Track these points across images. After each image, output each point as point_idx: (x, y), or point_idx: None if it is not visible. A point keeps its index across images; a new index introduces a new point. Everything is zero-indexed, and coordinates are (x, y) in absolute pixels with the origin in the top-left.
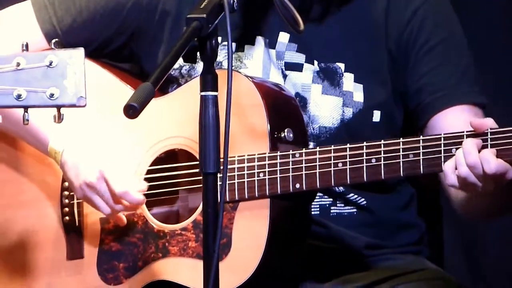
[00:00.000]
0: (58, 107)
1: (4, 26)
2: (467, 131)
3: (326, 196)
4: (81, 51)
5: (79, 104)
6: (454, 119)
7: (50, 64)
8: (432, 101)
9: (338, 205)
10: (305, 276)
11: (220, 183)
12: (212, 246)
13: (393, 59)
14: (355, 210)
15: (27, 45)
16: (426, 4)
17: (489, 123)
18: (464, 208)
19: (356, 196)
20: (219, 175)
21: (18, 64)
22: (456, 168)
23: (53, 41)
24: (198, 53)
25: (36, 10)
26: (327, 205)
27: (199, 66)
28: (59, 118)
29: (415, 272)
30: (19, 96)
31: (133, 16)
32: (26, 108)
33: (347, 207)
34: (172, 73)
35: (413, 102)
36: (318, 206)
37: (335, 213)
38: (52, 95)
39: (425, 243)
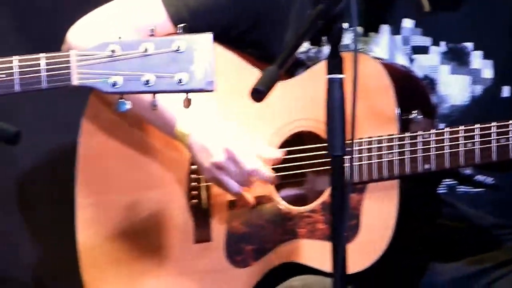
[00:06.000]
0: (187, 92)
1: (130, 8)
2: None
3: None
4: (209, 36)
5: (208, 88)
6: None
7: (178, 49)
8: None
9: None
10: (433, 256)
11: (348, 164)
12: (340, 227)
13: None
14: (482, 189)
15: (154, 31)
16: None
17: None
18: None
19: (484, 177)
20: (347, 157)
21: (146, 50)
22: None
23: (180, 26)
24: (324, 36)
25: None
26: (454, 184)
27: (326, 48)
28: (188, 103)
29: None
30: (147, 82)
31: (259, 1)
32: (154, 93)
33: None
34: (299, 56)
35: None
36: (445, 185)
37: (462, 192)
38: (180, 80)
39: None
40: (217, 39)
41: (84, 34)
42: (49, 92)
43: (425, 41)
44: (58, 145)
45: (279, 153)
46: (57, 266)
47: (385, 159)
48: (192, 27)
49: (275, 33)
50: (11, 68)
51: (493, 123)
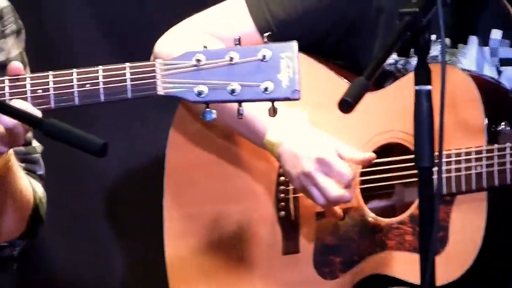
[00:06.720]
0: (273, 100)
1: (217, 20)
2: None
3: None
4: (294, 44)
5: (294, 97)
6: None
7: (264, 58)
8: None
9: None
10: None
11: (436, 176)
12: (429, 239)
13: None
14: None
15: (239, 40)
16: None
17: None
18: None
19: None
20: (435, 169)
21: (231, 59)
22: None
23: (265, 35)
24: (411, 48)
25: (249, 6)
26: None
27: (413, 60)
28: (274, 112)
29: None
30: (233, 91)
31: (348, 12)
32: (240, 102)
33: None
34: (387, 67)
35: None
36: None
37: None
38: (266, 89)
39: None
40: (308, 49)
41: (171, 45)
42: (137, 101)
43: None
44: (146, 156)
45: (371, 155)
46: (146, 278)
47: (474, 171)
48: (282, 38)
49: (365, 44)
50: (96, 78)
51: None
